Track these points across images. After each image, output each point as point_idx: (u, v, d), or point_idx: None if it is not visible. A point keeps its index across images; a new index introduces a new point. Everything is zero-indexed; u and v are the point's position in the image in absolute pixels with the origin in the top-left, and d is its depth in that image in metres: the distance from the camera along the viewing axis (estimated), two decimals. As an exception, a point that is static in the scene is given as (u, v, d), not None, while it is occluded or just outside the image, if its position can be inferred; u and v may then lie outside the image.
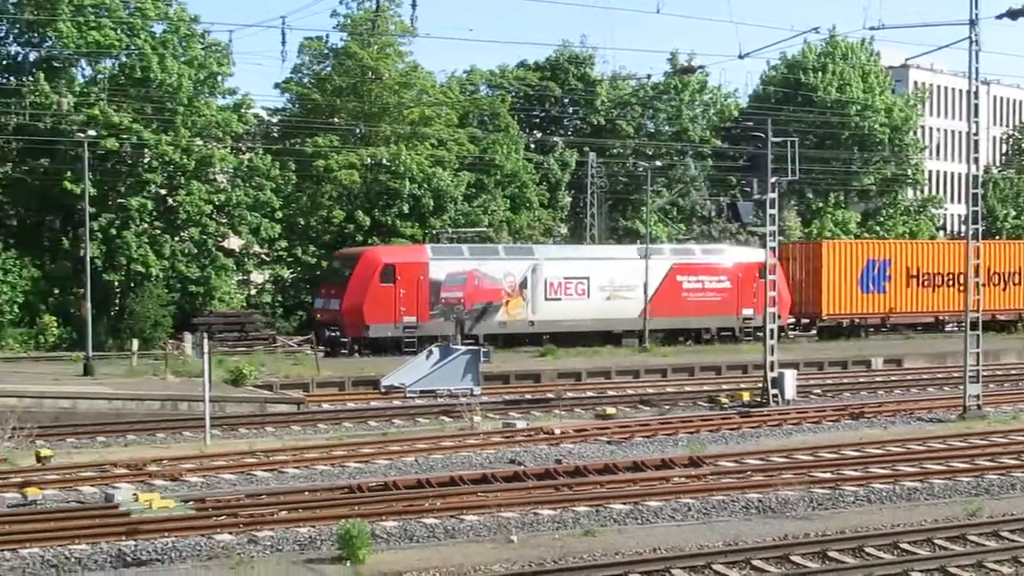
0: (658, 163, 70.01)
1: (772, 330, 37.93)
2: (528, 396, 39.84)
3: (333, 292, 51.38)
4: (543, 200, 68.92)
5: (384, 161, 60.56)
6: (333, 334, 50.17)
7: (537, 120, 76.93)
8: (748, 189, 39.49)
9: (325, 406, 37.68)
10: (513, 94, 71.47)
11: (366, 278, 50.15)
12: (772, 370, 37.24)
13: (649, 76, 75.15)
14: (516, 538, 20.10)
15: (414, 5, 45.63)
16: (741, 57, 36.81)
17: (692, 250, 59.08)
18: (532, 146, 71.94)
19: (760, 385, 38.36)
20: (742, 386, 41.00)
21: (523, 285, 52.94)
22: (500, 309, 52.59)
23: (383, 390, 40.11)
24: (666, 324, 55.69)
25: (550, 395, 39.46)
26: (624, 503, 22.43)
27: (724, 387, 41.87)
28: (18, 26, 56.81)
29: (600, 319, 54.03)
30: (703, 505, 22.55)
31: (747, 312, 56.80)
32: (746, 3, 64.28)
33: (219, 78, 59.65)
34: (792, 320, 61.23)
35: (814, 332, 61.64)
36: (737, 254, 58.68)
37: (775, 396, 36.95)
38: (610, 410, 36.20)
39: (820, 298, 59.94)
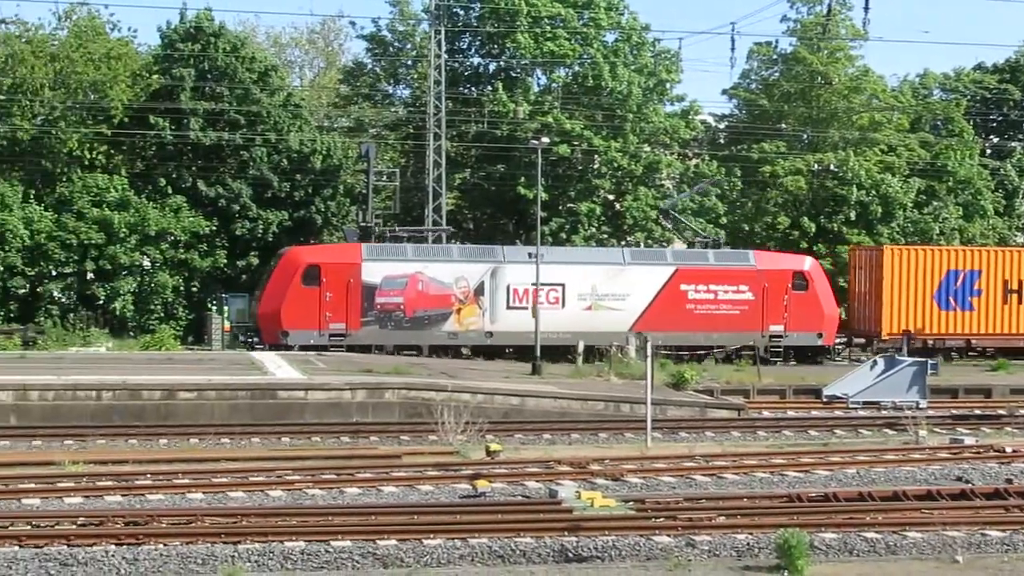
0: None
1: None
2: (977, 411, 38.21)
3: (257, 294, 47.84)
4: (998, 208, 65.76)
5: (831, 167, 59.61)
6: (251, 339, 46.90)
7: (994, 124, 73.52)
8: None
9: (765, 413, 37.50)
10: (968, 97, 68.66)
11: (286, 279, 45.67)
12: None
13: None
14: (961, 558, 19.34)
15: (866, 8, 45.06)
16: None
17: (704, 254, 50.40)
18: (988, 151, 68.85)
19: None
20: None
21: (479, 291, 46.86)
22: (449, 318, 46.71)
23: (825, 399, 39.47)
24: (664, 340, 44.67)
25: (1001, 411, 37.69)
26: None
27: None
28: (479, 39, 59.67)
29: (579, 332, 46.13)
30: None
31: (775, 329, 48.77)
32: None
33: (668, 85, 60.57)
34: (843, 340, 52.92)
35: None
36: (767, 260, 50.76)
37: None
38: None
39: (880, 314, 51.11)
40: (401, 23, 61.85)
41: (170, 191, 52.51)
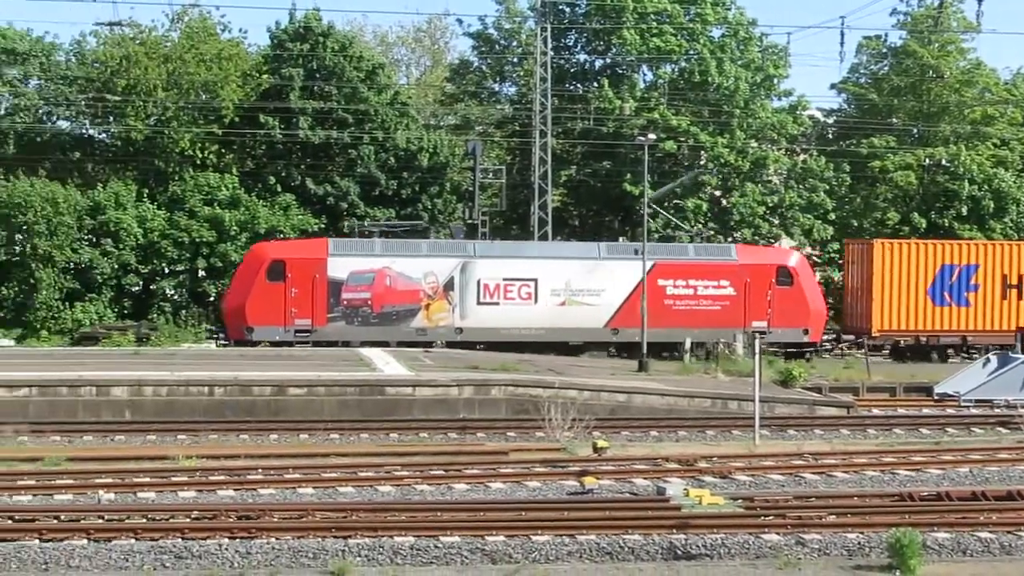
0: None
1: None
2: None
3: (224, 290, 48.02)
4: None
5: (943, 162, 58.64)
6: (217, 337, 47.07)
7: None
8: None
9: (875, 411, 37.04)
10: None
11: (251, 274, 45.30)
12: None
13: None
14: (1079, 560, 19.02)
15: (979, 0, 44.27)
16: None
17: (684, 248, 48.98)
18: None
19: None
20: None
21: (448, 287, 45.78)
22: (418, 313, 45.68)
23: (936, 397, 38.89)
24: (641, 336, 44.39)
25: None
26: None
27: None
28: (585, 35, 59.65)
29: (553, 328, 45.74)
30: None
31: (758, 325, 46.49)
32: None
33: (775, 80, 60.02)
34: (830, 337, 51.29)
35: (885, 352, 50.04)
36: (749, 254, 49.05)
37: None
38: None
39: (870, 311, 49.38)
40: (507, 20, 62.06)
41: (279, 189, 53.17)
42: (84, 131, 59.01)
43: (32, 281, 48.95)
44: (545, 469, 25.47)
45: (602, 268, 46.47)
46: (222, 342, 46.40)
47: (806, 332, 47.59)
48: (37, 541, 18.65)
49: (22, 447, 27.98)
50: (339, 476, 24.16)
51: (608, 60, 59.94)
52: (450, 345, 45.15)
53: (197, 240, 50.37)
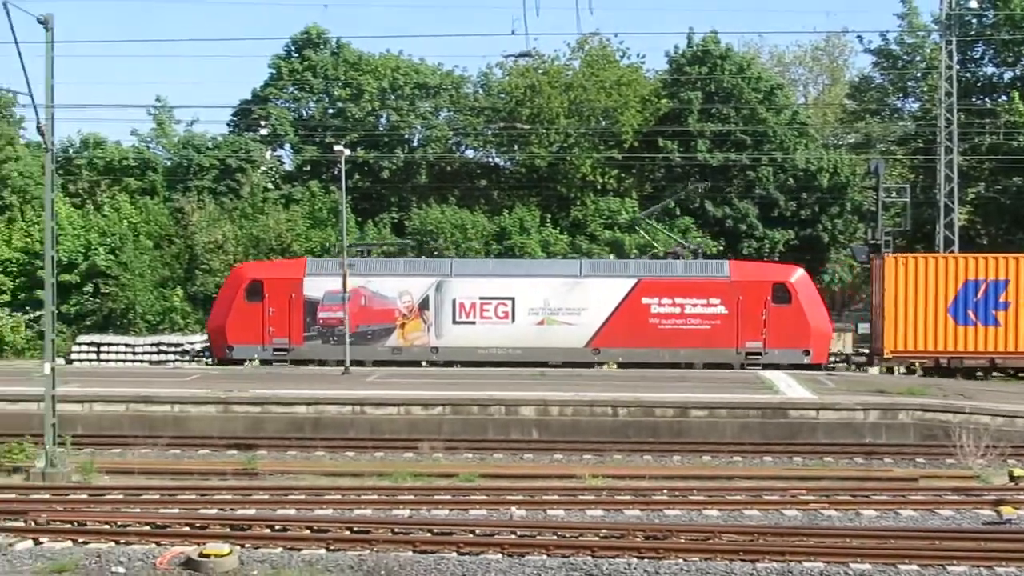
0: None
1: None
2: None
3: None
4: None
5: None
6: (203, 355, 47.48)
7: None
8: None
9: None
10: None
11: (231, 294, 45.50)
12: None
13: None
14: None
15: None
16: None
17: (672, 265, 46.01)
18: None
19: None
20: None
21: (424, 305, 44.95)
22: (393, 333, 45.09)
23: None
24: (625, 357, 44.24)
25: None
26: None
27: None
28: (993, 47, 57.37)
29: (531, 348, 44.15)
30: None
31: (753, 345, 44.18)
32: None
33: None
34: (836, 357, 47.33)
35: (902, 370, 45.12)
36: (743, 270, 45.72)
37: None
38: None
39: (882, 330, 44.91)
40: (909, 35, 60.38)
41: (678, 212, 53.58)
42: (491, 159, 61.35)
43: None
44: (957, 497, 24.52)
45: (582, 286, 45.10)
46: (207, 361, 47.65)
47: (807, 353, 44.66)
48: (455, 554, 19.50)
49: (438, 463, 29.25)
50: (744, 499, 24.06)
51: (1018, 72, 57.40)
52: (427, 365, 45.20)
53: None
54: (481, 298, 44.89)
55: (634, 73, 57.16)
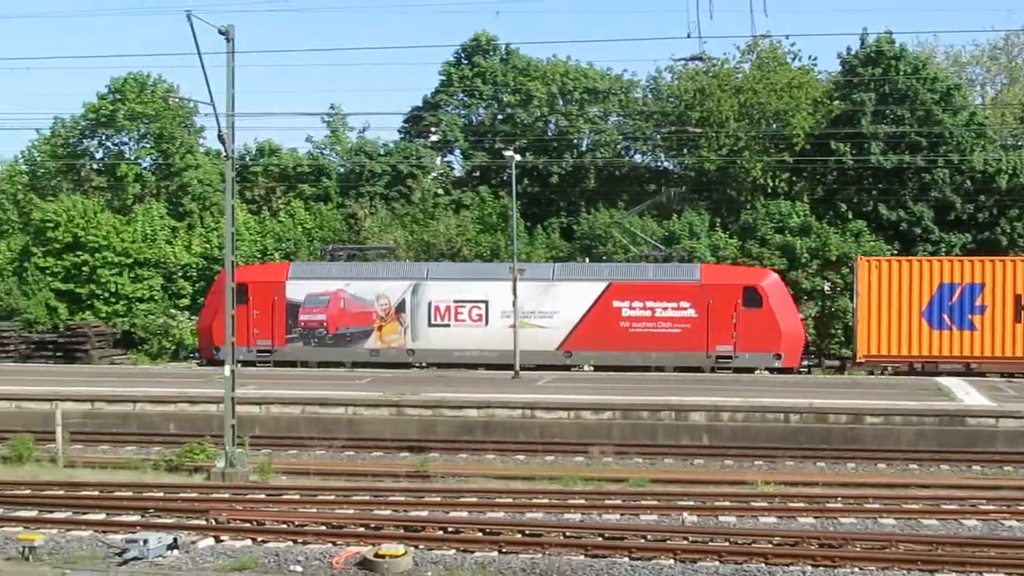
0: None
1: None
2: None
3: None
4: None
5: None
6: (193, 356, 48.07)
7: None
8: None
9: None
10: None
11: (217, 297, 43.71)
12: None
13: None
14: None
15: None
16: None
17: (643, 268, 46.22)
18: None
19: None
20: None
21: (400, 308, 45.62)
22: (371, 335, 45.81)
23: None
24: (597, 360, 44.38)
25: None
26: None
27: None
28: None
29: (504, 351, 43.34)
30: None
31: (723, 349, 43.92)
32: None
33: None
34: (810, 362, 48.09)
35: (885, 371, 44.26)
36: (714, 274, 45.50)
37: None
38: None
39: (854, 333, 44.58)
40: (1093, 32, 58.49)
41: (851, 216, 52.73)
42: (660, 163, 61.16)
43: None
44: None
45: (554, 290, 45.30)
46: (197, 362, 48.25)
47: (778, 357, 43.99)
48: (627, 559, 19.49)
49: (608, 467, 29.29)
50: (921, 508, 23.56)
51: None
52: (403, 367, 45.11)
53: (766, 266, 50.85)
54: (455, 301, 45.67)
55: (805, 75, 56.43)
